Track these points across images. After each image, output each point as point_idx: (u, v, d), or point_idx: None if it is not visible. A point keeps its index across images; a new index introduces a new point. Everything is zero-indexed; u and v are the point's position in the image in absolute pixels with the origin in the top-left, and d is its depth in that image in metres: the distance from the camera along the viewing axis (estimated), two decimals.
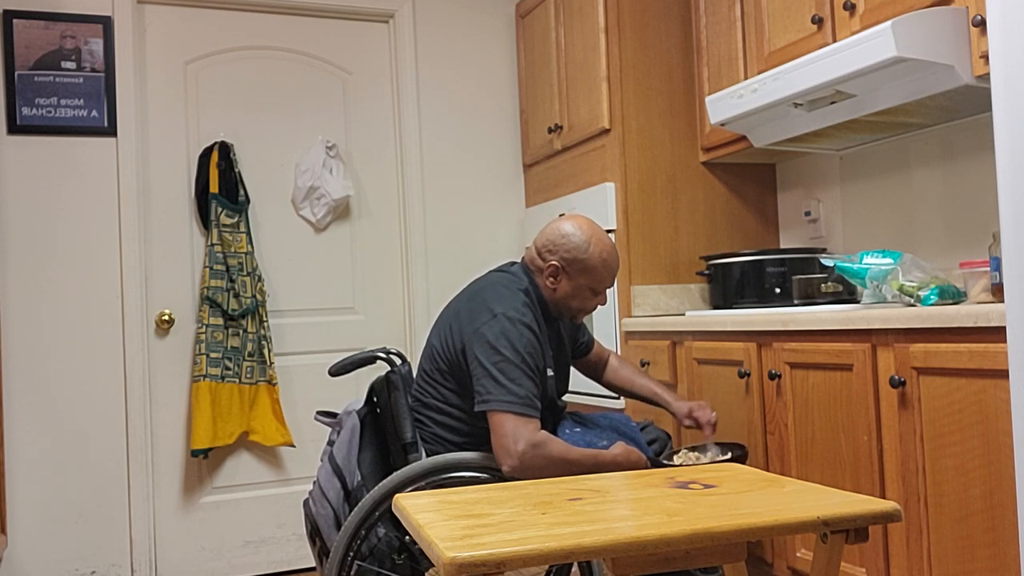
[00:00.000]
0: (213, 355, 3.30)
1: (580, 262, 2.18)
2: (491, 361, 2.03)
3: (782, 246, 3.33)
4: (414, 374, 2.31)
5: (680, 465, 2.17)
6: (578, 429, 2.28)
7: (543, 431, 2.03)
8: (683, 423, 2.37)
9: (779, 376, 2.40)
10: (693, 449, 2.29)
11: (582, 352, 2.53)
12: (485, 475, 2.08)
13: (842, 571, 2.18)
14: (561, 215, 2.34)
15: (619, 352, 3.12)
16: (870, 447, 2.11)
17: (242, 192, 3.43)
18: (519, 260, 2.31)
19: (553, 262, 2.19)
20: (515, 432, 1.98)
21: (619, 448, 2.08)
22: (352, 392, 3.38)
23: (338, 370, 2.24)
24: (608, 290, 2.31)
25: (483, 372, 2.03)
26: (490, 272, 2.30)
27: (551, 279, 2.20)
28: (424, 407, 2.19)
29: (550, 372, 2.19)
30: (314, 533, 2.14)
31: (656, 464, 2.14)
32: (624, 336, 3.11)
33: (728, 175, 3.29)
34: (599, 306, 2.30)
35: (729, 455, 2.21)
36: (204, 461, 3.38)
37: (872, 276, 2.32)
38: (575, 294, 2.21)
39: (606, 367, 2.57)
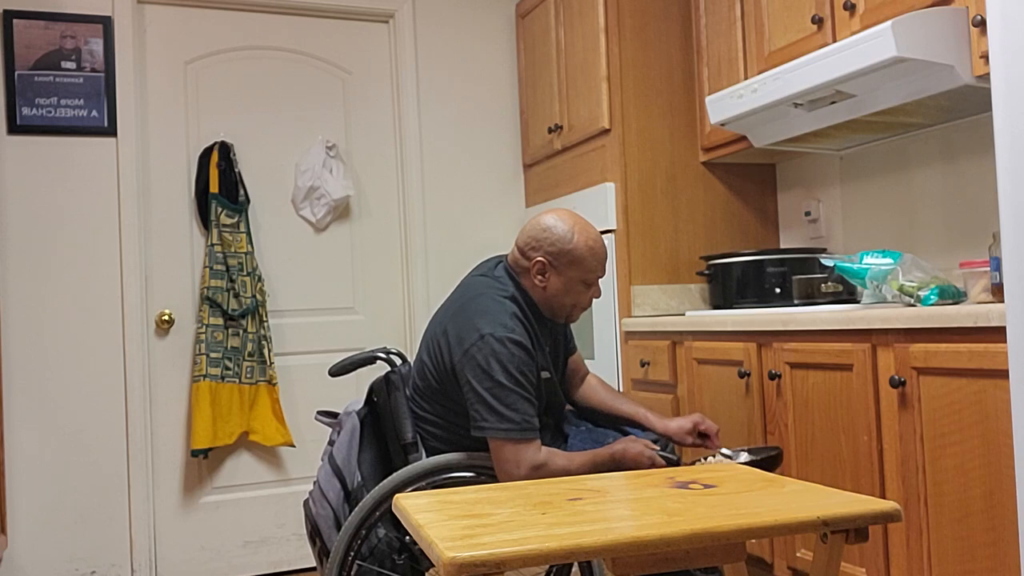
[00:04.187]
0: (213, 355, 3.30)
1: (567, 253, 2.11)
2: (484, 387, 1.98)
3: (782, 246, 3.33)
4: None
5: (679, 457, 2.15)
6: (583, 428, 2.27)
7: (544, 449, 2.01)
8: (686, 442, 2.22)
9: (779, 376, 2.40)
10: (726, 456, 2.20)
11: (569, 352, 2.43)
12: (484, 475, 2.08)
13: (842, 571, 2.18)
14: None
15: (619, 352, 3.12)
16: (870, 447, 2.11)
17: (242, 192, 3.43)
18: (505, 257, 2.23)
19: (539, 258, 2.12)
20: (516, 457, 1.97)
21: (620, 444, 2.06)
22: (352, 392, 3.38)
23: (338, 370, 2.23)
24: (602, 284, 2.25)
25: (477, 397, 1.99)
26: (474, 276, 2.22)
27: (539, 277, 2.13)
28: (421, 420, 2.17)
29: (546, 375, 2.15)
30: (314, 533, 2.14)
31: (667, 460, 2.08)
32: (624, 336, 3.11)
33: (728, 175, 3.29)
34: (594, 299, 2.23)
35: (761, 457, 2.12)
36: (204, 461, 3.38)
37: (872, 276, 2.32)
38: (567, 289, 2.14)
39: (583, 383, 2.41)
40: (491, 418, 1.98)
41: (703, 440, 2.23)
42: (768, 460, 2.09)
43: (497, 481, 2.03)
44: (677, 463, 2.09)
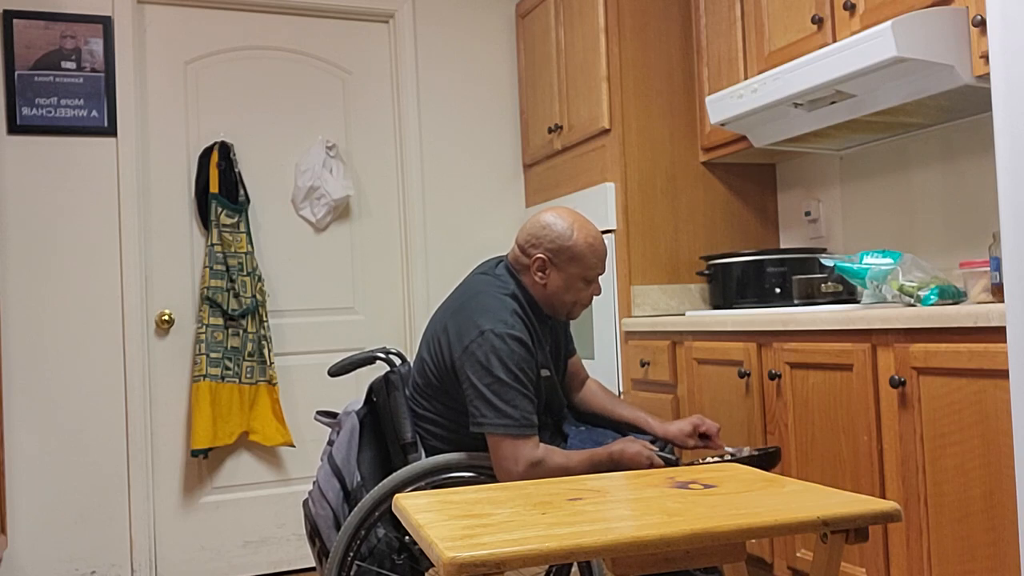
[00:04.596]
0: (213, 355, 3.30)
1: (566, 250, 2.11)
2: (484, 383, 1.98)
3: (782, 246, 3.33)
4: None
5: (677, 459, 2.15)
6: (583, 428, 2.27)
7: (542, 446, 2.00)
8: (687, 445, 2.21)
9: (779, 376, 2.40)
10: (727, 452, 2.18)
11: (569, 353, 2.42)
12: (484, 475, 2.08)
13: (842, 571, 2.18)
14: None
15: (619, 352, 3.12)
16: (870, 447, 2.11)
17: (242, 192, 3.43)
18: (506, 256, 2.24)
19: (539, 255, 2.12)
20: (514, 454, 1.96)
21: (618, 444, 2.06)
22: (352, 392, 3.37)
23: (338, 370, 2.23)
24: (602, 281, 2.23)
25: (476, 394, 1.99)
26: (475, 275, 2.23)
27: (539, 274, 2.13)
28: (421, 419, 2.17)
29: (546, 373, 2.15)
30: (314, 533, 2.14)
31: (666, 460, 2.08)
32: (624, 336, 3.11)
33: (728, 175, 3.29)
34: (595, 296, 2.22)
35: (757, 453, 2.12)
36: (204, 461, 3.38)
37: (872, 276, 2.32)
38: (567, 286, 2.14)
39: (582, 387, 2.40)
40: (490, 414, 1.98)
41: (705, 441, 2.22)
42: (766, 456, 2.09)
43: (497, 481, 2.03)
44: (676, 463, 2.09)
